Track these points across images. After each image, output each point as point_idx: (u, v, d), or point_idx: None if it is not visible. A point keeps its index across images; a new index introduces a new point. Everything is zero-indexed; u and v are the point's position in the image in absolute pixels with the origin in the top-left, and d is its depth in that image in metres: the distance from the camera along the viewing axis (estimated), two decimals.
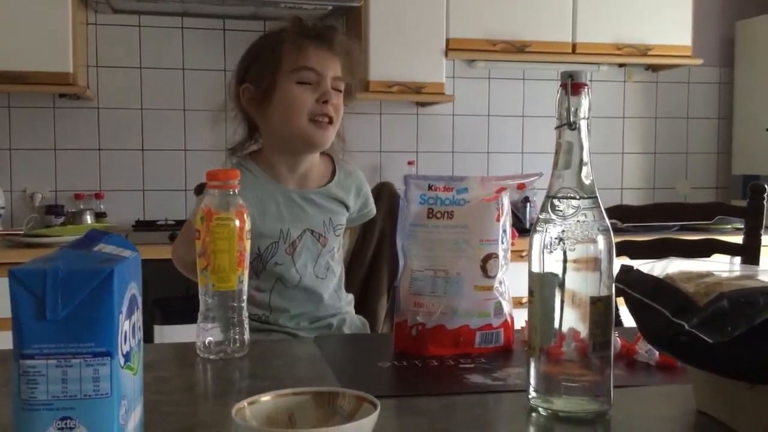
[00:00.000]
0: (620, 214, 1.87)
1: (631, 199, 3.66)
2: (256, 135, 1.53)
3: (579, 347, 0.81)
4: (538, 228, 0.83)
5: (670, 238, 1.84)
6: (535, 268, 0.83)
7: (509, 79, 3.53)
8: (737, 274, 0.80)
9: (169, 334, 2.51)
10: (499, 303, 1.11)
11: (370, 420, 0.68)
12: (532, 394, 0.84)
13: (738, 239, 1.77)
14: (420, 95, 3.14)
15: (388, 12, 3.05)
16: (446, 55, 3.13)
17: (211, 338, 1.08)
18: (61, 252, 0.66)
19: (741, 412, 0.77)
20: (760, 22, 3.52)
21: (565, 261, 0.81)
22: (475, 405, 0.88)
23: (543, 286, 0.83)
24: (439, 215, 1.10)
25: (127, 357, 0.64)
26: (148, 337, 2.42)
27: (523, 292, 0.87)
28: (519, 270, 1.11)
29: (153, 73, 3.18)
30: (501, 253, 1.11)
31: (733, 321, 0.68)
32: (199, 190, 1.90)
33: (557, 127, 0.83)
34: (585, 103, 0.82)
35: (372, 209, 1.61)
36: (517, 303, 1.17)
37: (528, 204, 3.31)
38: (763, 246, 1.73)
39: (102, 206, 3.10)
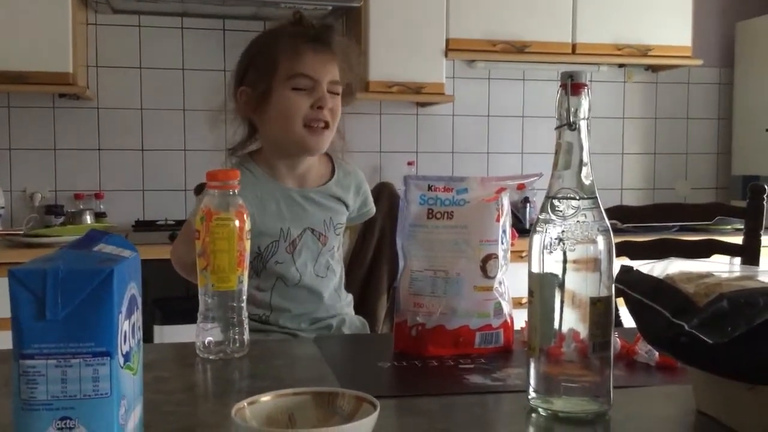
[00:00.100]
0: (620, 214, 1.87)
1: (631, 200, 3.66)
2: (255, 135, 1.53)
3: (579, 348, 0.81)
4: (537, 228, 0.83)
5: (669, 239, 1.84)
6: (535, 269, 0.83)
7: (509, 80, 3.54)
8: (737, 274, 0.80)
9: (169, 334, 2.51)
10: (499, 303, 1.11)
11: (370, 420, 0.68)
12: (532, 394, 0.84)
13: (738, 240, 1.77)
14: (420, 95, 3.14)
15: (388, 12, 3.05)
16: (446, 55, 3.14)
17: (210, 338, 1.08)
18: (61, 252, 0.66)
19: (741, 413, 0.77)
20: (760, 23, 3.52)
21: (564, 261, 0.81)
22: (475, 405, 0.88)
23: (543, 287, 0.83)
24: (438, 216, 1.10)
25: (126, 357, 0.64)
26: (147, 337, 2.43)
27: (523, 292, 0.87)
28: (519, 270, 1.11)
29: (153, 73, 3.18)
30: (501, 254, 1.11)
31: (733, 322, 0.68)
32: (199, 190, 1.90)
33: (557, 128, 0.83)
34: (585, 103, 0.82)
35: (371, 208, 1.61)
36: (517, 303, 1.17)
37: (528, 204, 3.31)
38: (763, 246, 1.74)
39: (102, 206, 3.10)
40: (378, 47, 3.05)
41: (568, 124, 0.82)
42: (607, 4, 3.24)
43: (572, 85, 0.82)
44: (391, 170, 3.35)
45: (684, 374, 0.93)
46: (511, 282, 1.14)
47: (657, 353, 1.02)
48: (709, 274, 0.79)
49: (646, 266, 0.84)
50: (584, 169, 0.83)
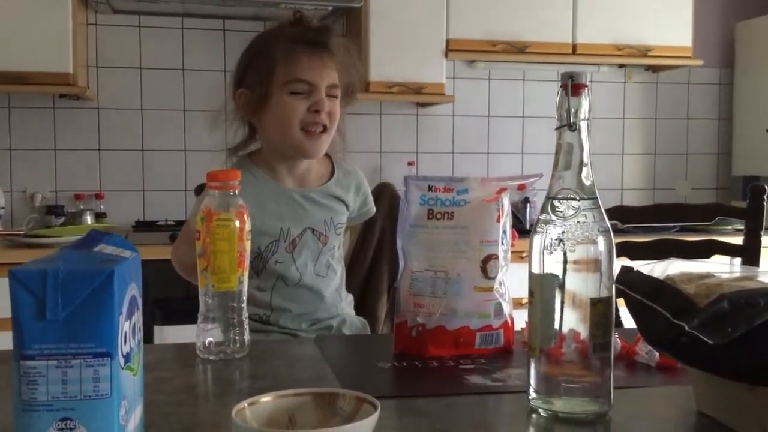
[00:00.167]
0: (620, 214, 1.87)
1: (631, 200, 3.66)
2: (255, 136, 1.53)
3: (579, 348, 0.81)
4: (538, 229, 0.83)
5: (670, 239, 1.84)
6: (536, 269, 0.83)
7: (509, 80, 3.54)
8: (737, 275, 0.80)
9: (169, 334, 2.51)
10: (499, 304, 1.11)
11: (371, 421, 0.68)
12: (532, 395, 0.84)
13: (738, 240, 1.77)
14: (420, 96, 3.14)
15: (388, 12, 3.05)
16: (446, 55, 3.14)
17: (211, 339, 1.08)
18: (62, 253, 0.66)
19: (741, 413, 0.77)
20: (760, 23, 3.52)
21: (565, 262, 0.81)
22: (475, 406, 0.88)
23: (543, 287, 0.83)
24: (439, 216, 1.10)
25: (127, 358, 0.64)
26: (148, 337, 2.42)
27: (523, 292, 0.87)
28: (519, 271, 1.11)
29: (153, 74, 3.18)
30: (501, 254, 1.11)
31: (734, 322, 0.68)
32: (199, 190, 1.90)
33: (557, 128, 0.83)
34: (585, 104, 0.82)
35: (372, 208, 1.61)
36: (517, 304, 1.17)
37: (528, 205, 3.31)
38: (764, 247, 1.73)
39: (102, 206, 3.10)
40: (378, 47, 3.05)
41: (568, 124, 0.82)
42: (607, 4, 3.25)
43: (573, 86, 0.82)
44: (392, 170, 3.35)
45: (684, 375, 0.93)
46: (512, 282, 1.14)
47: (657, 354, 1.02)
48: (709, 275, 0.79)
49: (646, 267, 0.84)
50: (584, 170, 0.83)
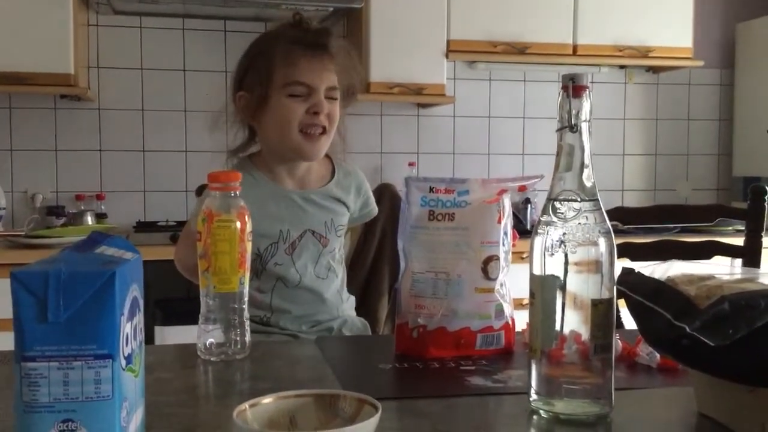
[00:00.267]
0: (621, 215, 1.87)
1: (632, 201, 3.66)
2: (255, 138, 1.53)
3: (580, 350, 0.81)
4: (539, 230, 0.83)
5: (670, 240, 1.84)
6: (537, 271, 0.83)
7: (510, 81, 3.54)
8: (738, 276, 0.80)
9: (170, 335, 2.51)
10: (500, 305, 1.11)
11: (372, 422, 0.68)
12: (533, 396, 0.84)
13: (739, 241, 1.77)
14: (421, 96, 3.14)
15: (388, 13, 3.06)
16: (447, 56, 3.14)
17: (212, 340, 1.08)
18: (63, 254, 0.66)
19: (742, 415, 0.77)
20: (760, 24, 3.52)
21: (566, 263, 0.81)
22: (476, 407, 0.88)
23: (544, 289, 0.83)
24: (440, 217, 1.10)
25: (128, 359, 0.64)
26: (148, 338, 2.42)
27: (524, 293, 0.87)
28: (520, 271, 1.11)
29: (154, 75, 3.18)
30: (502, 255, 1.11)
31: (734, 324, 0.68)
32: (200, 191, 1.91)
33: (558, 130, 0.83)
34: (586, 105, 0.82)
35: (373, 209, 1.61)
36: (518, 304, 1.17)
37: (529, 205, 3.31)
38: (764, 248, 1.73)
39: (103, 207, 3.11)
40: (379, 48, 3.05)
41: (569, 126, 0.82)
42: (607, 5, 3.25)
43: (574, 88, 0.82)
44: (392, 171, 3.35)
45: (685, 376, 0.93)
46: (512, 283, 1.14)
47: (658, 355, 1.02)
48: (710, 276, 0.79)
49: (647, 268, 0.84)
50: (586, 171, 0.83)
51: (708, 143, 3.78)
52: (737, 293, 0.71)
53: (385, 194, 1.71)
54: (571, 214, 0.81)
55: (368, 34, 3.05)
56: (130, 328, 0.64)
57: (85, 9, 3.03)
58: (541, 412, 0.83)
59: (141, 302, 0.69)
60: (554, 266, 0.81)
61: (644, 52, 3.28)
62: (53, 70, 2.76)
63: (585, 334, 0.80)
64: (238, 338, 1.09)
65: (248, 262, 1.10)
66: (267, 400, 0.73)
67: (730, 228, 2.98)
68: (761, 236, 1.73)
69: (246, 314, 1.11)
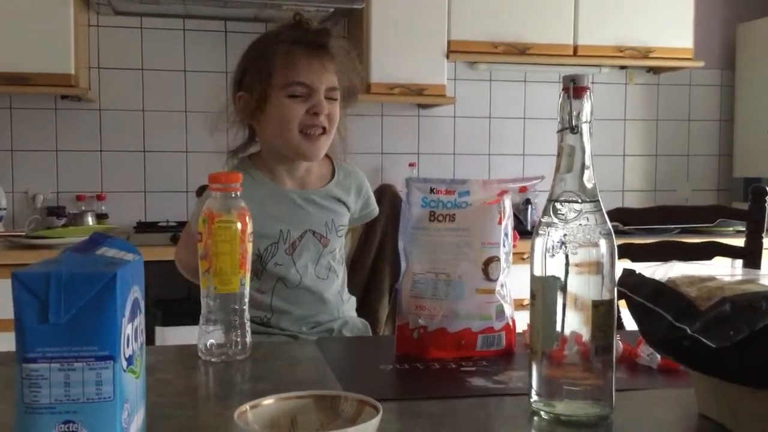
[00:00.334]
0: (621, 216, 1.87)
1: (632, 202, 3.66)
2: (255, 138, 1.53)
3: (581, 351, 0.81)
4: (540, 231, 0.83)
5: (671, 241, 1.84)
6: (538, 272, 0.83)
7: (510, 81, 3.54)
8: (739, 278, 0.80)
9: (171, 335, 2.51)
10: (501, 306, 1.11)
11: (373, 424, 0.68)
12: (534, 397, 0.84)
13: (739, 242, 1.77)
14: (421, 97, 3.14)
15: (389, 14, 3.06)
16: (447, 56, 3.14)
17: (212, 341, 1.08)
18: (64, 255, 0.66)
19: (743, 417, 0.77)
20: (761, 25, 3.52)
21: (567, 264, 0.81)
22: (477, 408, 0.88)
23: (545, 290, 0.83)
24: (440, 218, 1.10)
25: (129, 360, 0.64)
26: (149, 338, 2.42)
27: (524, 293, 0.87)
28: (520, 272, 1.11)
29: (155, 75, 3.18)
30: (503, 256, 1.11)
31: (735, 325, 0.68)
32: (201, 192, 1.91)
33: (559, 131, 0.83)
34: (587, 106, 0.82)
35: (374, 209, 1.61)
36: (518, 305, 1.17)
37: (529, 206, 3.31)
38: (765, 249, 1.73)
39: (103, 208, 3.11)
40: (380, 49, 3.05)
41: (570, 127, 0.82)
42: (608, 5, 3.25)
43: (575, 89, 0.82)
44: (393, 172, 3.35)
45: (686, 377, 0.93)
46: (512, 283, 1.14)
47: (659, 356, 1.02)
48: (711, 278, 0.79)
49: (648, 269, 0.84)
50: (586, 173, 0.83)
51: (708, 144, 3.78)
52: (738, 295, 0.71)
53: (386, 195, 1.71)
54: (572, 215, 0.81)
55: (369, 35, 3.05)
56: (131, 330, 0.64)
57: (85, 9, 3.03)
58: (542, 413, 0.83)
59: (142, 303, 0.69)
60: (555, 267, 0.81)
61: (645, 53, 3.28)
62: (54, 70, 2.77)
63: (586, 335, 0.80)
64: (238, 339, 1.09)
65: (249, 263, 1.10)
66: (268, 401, 0.73)
67: (731, 229, 2.98)
68: (762, 237, 1.73)
69: (247, 315, 1.11)
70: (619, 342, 1.04)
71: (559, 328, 0.81)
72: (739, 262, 1.76)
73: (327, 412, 0.74)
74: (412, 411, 0.86)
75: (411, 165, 3.38)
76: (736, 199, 3.64)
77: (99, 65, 3.12)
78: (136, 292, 0.67)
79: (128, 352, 0.64)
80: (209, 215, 1.07)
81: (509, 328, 1.12)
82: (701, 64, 3.43)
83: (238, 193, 1.10)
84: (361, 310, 1.61)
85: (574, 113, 0.82)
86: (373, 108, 3.36)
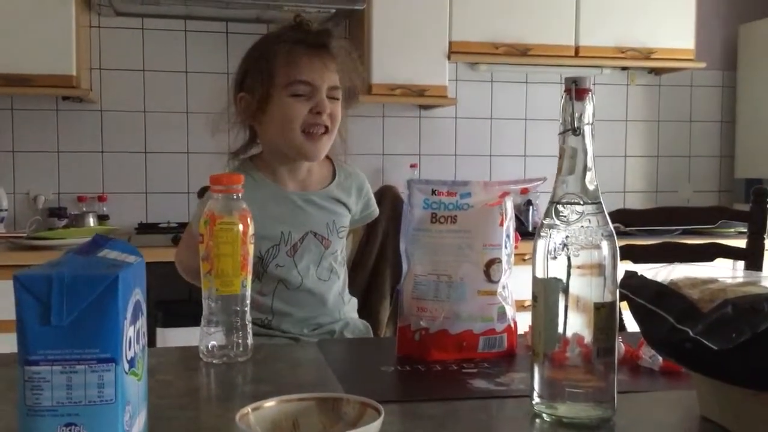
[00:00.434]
0: (623, 217, 1.87)
1: (634, 203, 3.66)
2: (256, 140, 1.53)
3: (583, 353, 0.81)
4: (542, 233, 0.83)
5: (672, 242, 1.84)
6: (539, 274, 0.83)
7: (512, 82, 3.54)
8: (741, 280, 0.79)
9: (172, 336, 2.51)
10: (503, 307, 1.11)
11: (375, 426, 0.68)
12: (536, 399, 0.84)
13: (741, 243, 1.76)
14: (423, 98, 3.14)
15: (391, 15, 3.06)
16: (449, 58, 3.14)
17: (214, 342, 1.08)
18: (66, 257, 0.66)
19: (746, 419, 0.77)
20: (763, 26, 3.52)
21: (569, 266, 0.81)
22: (479, 410, 0.88)
23: (547, 292, 0.82)
24: (442, 220, 1.10)
25: (131, 363, 0.64)
26: (150, 340, 2.43)
27: (525, 295, 0.86)
28: (521, 273, 1.11)
29: (156, 76, 3.18)
30: (504, 258, 1.11)
31: (738, 328, 0.68)
32: (202, 193, 1.91)
33: (561, 133, 0.83)
34: (589, 108, 0.82)
35: (374, 210, 1.61)
36: (520, 306, 1.17)
37: (530, 207, 3.30)
38: (767, 250, 1.73)
39: (105, 209, 3.11)
40: (381, 50, 3.05)
41: (572, 129, 0.82)
42: (609, 6, 3.25)
43: (577, 91, 0.82)
44: (394, 173, 3.35)
45: (688, 379, 0.92)
46: (514, 284, 1.14)
47: (661, 358, 1.02)
48: (713, 280, 0.79)
49: (650, 271, 0.84)
50: (588, 174, 0.83)
51: (710, 145, 3.78)
52: (741, 297, 0.70)
53: (387, 196, 1.71)
54: (574, 217, 0.81)
55: (370, 36, 3.05)
56: (132, 332, 0.64)
57: (87, 10, 3.04)
58: (544, 415, 0.83)
59: (144, 306, 0.69)
60: (557, 269, 0.81)
61: (646, 54, 3.28)
62: (55, 71, 2.77)
63: (588, 337, 0.80)
64: (240, 341, 1.09)
65: (250, 264, 1.10)
66: (270, 403, 0.73)
67: (732, 230, 2.98)
68: (764, 238, 1.73)
69: (248, 317, 1.11)
70: (621, 344, 1.04)
71: (561, 330, 0.81)
72: (741, 264, 1.76)
73: (329, 415, 0.74)
74: (414, 413, 0.86)
75: (412, 166, 3.38)
76: (737, 201, 3.64)
77: (100, 66, 3.12)
78: (138, 295, 0.67)
79: (130, 354, 0.64)
80: (211, 217, 1.07)
81: (511, 330, 1.12)
82: (703, 65, 3.43)
83: (240, 195, 1.10)
84: (362, 312, 1.61)
85: (576, 115, 0.82)
86: (374, 109, 3.36)
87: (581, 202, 0.82)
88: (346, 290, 1.54)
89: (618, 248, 0.83)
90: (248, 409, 0.71)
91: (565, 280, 0.81)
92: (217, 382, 1.03)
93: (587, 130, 0.82)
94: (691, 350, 0.72)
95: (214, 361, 1.08)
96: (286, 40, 1.43)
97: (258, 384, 1.02)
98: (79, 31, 2.84)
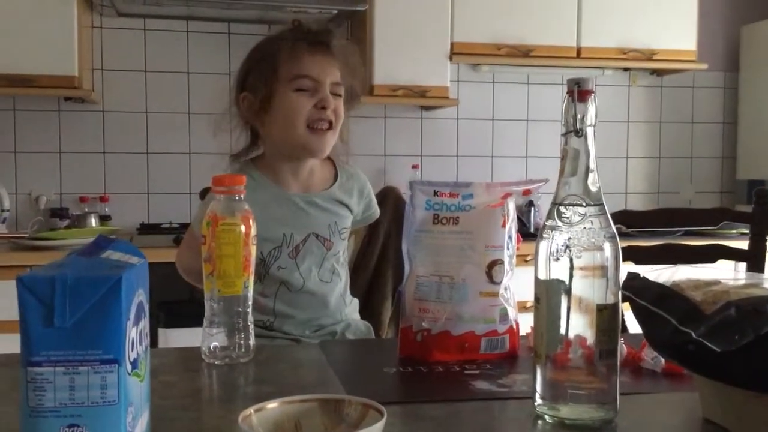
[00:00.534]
0: (625, 218, 1.87)
1: (636, 204, 3.65)
2: (257, 142, 1.53)
3: (585, 354, 0.81)
4: (544, 235, 0.83)
5: (674, 244, 1.84)
6: (542, 275, 0.83)
7: (514, 83, 3.54)
8: (744, 282, 0.79)
9: (174, 337, 2.51)
10: (505, 309, 1.11)
11: (377, 428, 0.68)
12: (538, 401, 0.84)
13: (743, 244, 1.76)
14: (424, 99, 3.14)
15: (392, 16, 3.06)
16: (451, 59, 3.14)
17: (216, 343, 1.08)
18: (69, 259, 0.66)
19: (748, 421, 0.77)
20: (765, 26, 3.52)
21: (571, 268, 0.81)
22: (481, 412, 0.88)
23: (549, 293, 0.82)
24: (444, 221, 1.10)
25: (134, 364, 0.64)
26: (152, 340, 2.43)
27: (527, 296, 0.86)
28: (523, 274, 1.11)
29: (158, 77, 3.18)
30: (506, 259, 1.11)
31: (741, 330, 0.68)
32: (204, 194, 1.91)
33: (564, 134, 0.83)
34: (592, 110, 0.82)
35: (376, 211, 1.61)
36: (521, 307, 1.17)
37: (532, 208, 3.30)
38: None
39: (107, 209, 3.11)
40: (383, 51, 3.05)
41: (574, 130, 0.82)
42: (611, 7, 3.24)
43: (579, 92, 0.82)
44: (396, 174, 3.35)
45: (690, 381, 0.92)
46: (515, 285, 1.14)
47: (663, 360, 1.02)
48: (716, 282, 0.79)
49: (652, 273, 0.84)
50: (591, 176, 0.83)
51: (712, 146, 3.77)
52: (744, 299, 0.70)
53: (389, 197, 1.71)
54: (577, 218, 0.81)
55: (372, 37, 3.05)
56: (135, 333, 0.64)
57: (89, 11, 3.04)
58: (546, 417, 0.83)
59: (147, 307, 0.69)
60: (559, 271, 0.81)
61: (648, 55, 3.28)
62: (57, 72, 2.77)
63: (590, 338, 0.80)
64: (242, 342, 1.09)
65: (253, 265, 1.10)
66: (272, 405, 0.73)
67: (735, 231, 2.97)
68: (766, 239, 1.73)
69: (250, 318, 1.11)
70: (623, 345, 1.04)
71: (563, 331, 0.81)
72: (743, 265, 1.76)
73: (331, 416, 0.74)
74: (416, 414, 0.86)
75: (414, 167, 3.38)
76: (739, 202, 3.64)
77: (102, 67, 3.12)
78: (141, 296, 0.67)
79: (133, 355, 0.64)
80: (213, 218, 1.07)
81: (513, 331, 1.12)
82: (705, 66, 3.43)
83: (242, 196, 1.10)
84: (363, 313, 1.61)
85: (579, 116, 0.82)
86: (376, 110, 3.36)
87: (584, 204, 0.82)
88: (348, 291, 1.54)
89: (620, 250, 0.83)
90: (251, 410, 0.71)
91: (567, 282, 0.81)
92: (219, 383, 1.03)
93: (590, 131, 0.82)
94: (693, 352, 0.72)
95: (216, 362, 1.08)
96: (288, 39, 1.44)
97: (260, 385, 1.02)
98: (81, 32, 2.84)
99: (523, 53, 3.17)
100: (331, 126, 1.43)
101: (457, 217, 1.10)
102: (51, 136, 3.09)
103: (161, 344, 2.50)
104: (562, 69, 3.40)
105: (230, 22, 3.21)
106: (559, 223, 0.82)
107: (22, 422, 0.61)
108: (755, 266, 1.72)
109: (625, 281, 0.84)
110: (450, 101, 3.21)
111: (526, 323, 1.04)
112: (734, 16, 3.71)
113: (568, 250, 0.81)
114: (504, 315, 1.11)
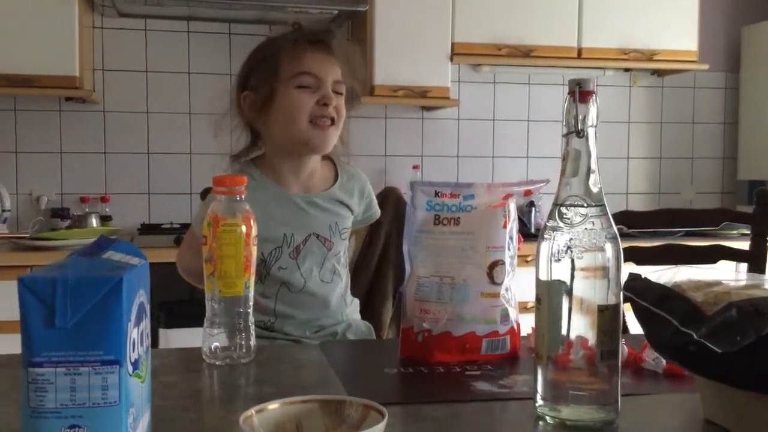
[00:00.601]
0: (626, 219, 1.87)
1: (636, 204, 3.65)
2: (258, 142, 1.53)
3: (586, 355, 0.80)
4: (545, 236, 0.83)
5: (675, 244, 1.84)
6: (543, 276, 0.83)
7: (514, 84, 3.54)
8: (746, 283, 0.79)
9: (174, 337, 2.51)
10: (506, 310, 1.11)
11: (378, 429, 0.68)
12: (539, 402, 0.84)
13: (744, 245, 1.76)
14: (425, 99, 3.14)
15: (393, 16, 3.06)
16: (451, 59, 3.14)
17: (217, 344, 1.08)
18: (70, 260, 0.66)
19: (749, 422, 0.77)
20: (766, 27, 3.52)
21: (572, 269, 0.80)
22: (482, 413, 0.88)
23: (551, 294, 0.82)
24: (445, 222, 1.10)
25: (135, 365, 0.64)
26: (152, 340, 2.42)
27: (528, 296, 0.86)
28: (524, 275, 1.11)
29: (159, 77, 3.18)
30: (507, 260, 1.11)
31: (742, 331, 0.68)
32: (205, 194, 1.91)
33: (565, 135, 0.83)
34: (593, 110, 0.82)
35: (376, 211, 1.61)
36: (522, 308, 1.17)
37: (533, 208, 3.30)
38: None
39: (107, 209, 3.11)
40: (383, 51, 3.05)
41: (576, 131, 0.82)
42: (612, 8, 3.24)
43: (580, 93, 0.82)
44: (397, 174, 3.35)
45: (692, 382, 0.92)
46: (516, 286, 1.14)
47: (664, 361, 1.02)
48: (717, 283, 0.79)
49: (654, 274, 0.84)
50: (592, 177, 0.82)
51: (713, 146, 3.77)
52: (745, 300, 0.70)
53: (390, 197, 1.71)
54: (578, 219, 0.81)
55: (373, 37, 3.05)
56: (136, 334, 0.64)
57: (90, 11, 3.04)
58: (547, 418, 0.83)
59: (147, 308, 0.69)
60: (561, 272, 0.81)
61: (649, 55, 3.28)
62: (58, 72, 2.77)
63: (591, 339, 0.80)
64: (243, 342, 1.09)
65: (253, 266, 1.10)
66: (273, 405, 0.73)
67: (735, 232, 2.97)
68: (767, 240, 1.72)
69: (251, 318, 1.11)
70: (625, 346, 1.04)
71: (564, 332, 0.81)
72: (744, 266, 1.76)
73: (332, 417, 0.74)
74: (417, 415, 0.86)
75: (415, 167, 3.38)
76: (740, 202, 3.64)
77: (103, 67, 3.13)
78: (142, 296, 0.67)
79: (134, 356, 0.64)
80: (214, 218, 1.07)
81: (514, 332, 1.12)
82: (705, 66, 3.43)
83: (243, 196, 1.10)
84: (364, 313, 1.61)
85: (580, 117, 0.82)
86: (376, 110, 3.36)
87: (585, 205, 0.82)
88: (349, 292, 1.54)
89: (622, 250, 0.83)
90: (252, 411, 0.71)
91: (568, 283, 0.81)
92: (220, 384, 1.03)
93: (591, 132, 0.82)
94: (695, 353, 0.72)
95: (217, 363, 1.08)
96: (288, 38, 1.44)
97: (261, 386, 1.02)
98: (82, 32, 2.84)
99: (523, 53, 3.17)
100: (333, 122, 1.43)
101: (458, 218, 1.10)
102: (52, 136, 3.10)
103: (162, 345, 2.50)
104: (563, 69, 3.40)
105: (231, 23, 3.21)
106: (561, 224, 0.82)
107: (23, 423, 0.60)
108: (756, 267, 1.72)
109: (626, 282, 0.84)
110: (451, 102, 3.21)
111: (527, 324, 1.04)
112: (735, 16, 3.71)
113: (569, 251, 0.81)
114: (505, 316, 1.11)
